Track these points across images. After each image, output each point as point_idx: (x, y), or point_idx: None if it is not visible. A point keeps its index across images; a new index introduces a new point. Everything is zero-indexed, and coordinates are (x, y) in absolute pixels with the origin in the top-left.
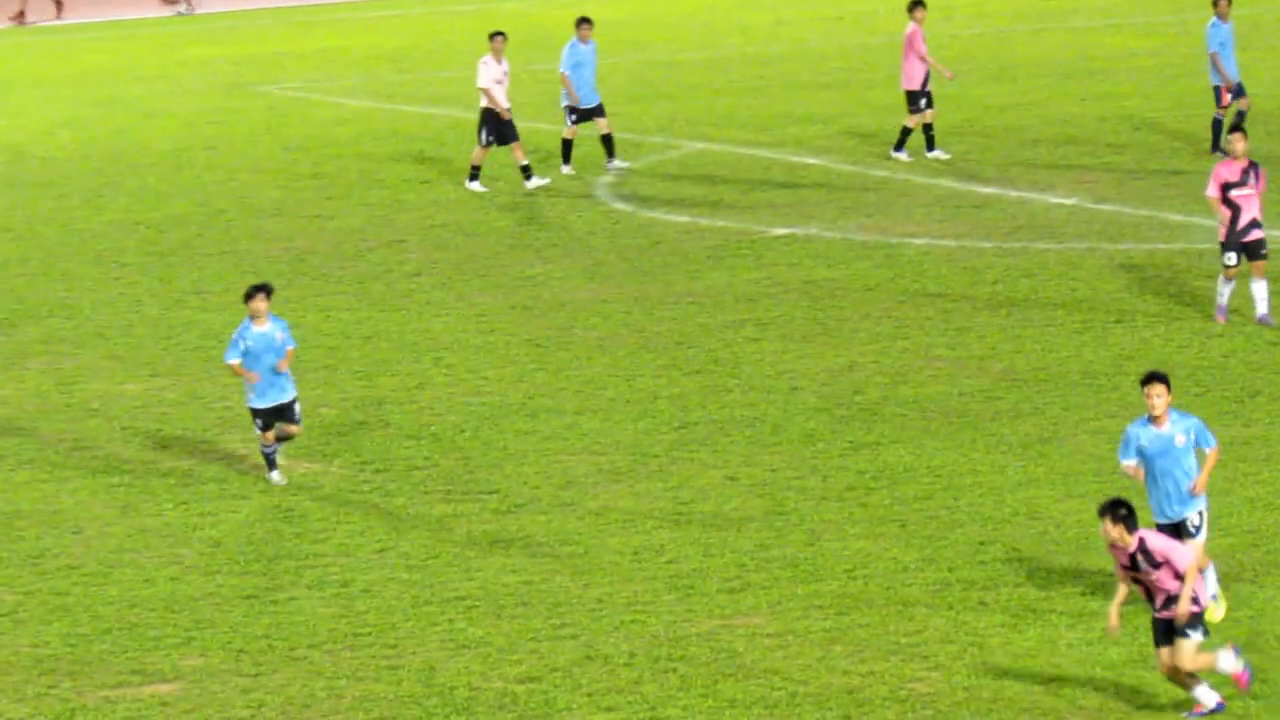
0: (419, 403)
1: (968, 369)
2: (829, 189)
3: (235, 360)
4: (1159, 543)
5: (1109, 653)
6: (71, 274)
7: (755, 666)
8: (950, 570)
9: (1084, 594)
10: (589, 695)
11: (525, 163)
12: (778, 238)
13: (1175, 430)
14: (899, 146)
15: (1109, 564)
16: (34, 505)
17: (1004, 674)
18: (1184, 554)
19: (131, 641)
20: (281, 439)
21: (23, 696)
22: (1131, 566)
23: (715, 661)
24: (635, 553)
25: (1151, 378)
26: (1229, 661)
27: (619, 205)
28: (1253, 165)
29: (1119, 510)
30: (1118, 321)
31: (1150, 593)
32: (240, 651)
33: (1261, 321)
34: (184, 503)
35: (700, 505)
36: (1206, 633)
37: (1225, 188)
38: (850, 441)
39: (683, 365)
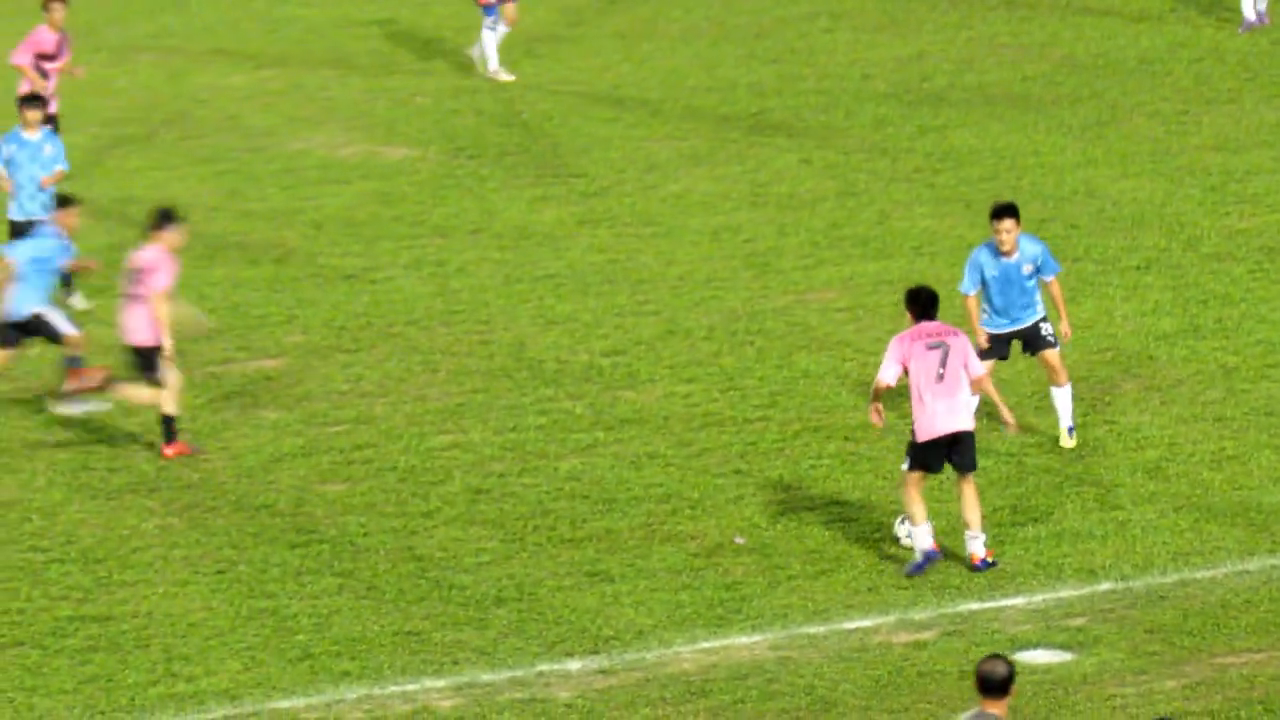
0: (510, 92)
1: (1030, 55)
2: None
3: None
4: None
5: (1161, 323)
6: None
7: (828, 339)
8: None
9: (1138, 268)
10: (670, 367)
11: None
12: None
13: (1023, 260)
14: None
15: (1162, 239)
16: (145, 191)
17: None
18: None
19: (237, 320)
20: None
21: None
22: None
23: (790, 334)
24: (715, 232)
25: (1001, 212)
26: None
27: None
28: None
29: None
30: (1172, 10)
31: None
32: (341, 328)
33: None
34: (287, 187)
35: (776, 187)
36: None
37: None
38: (918, 125)
39: (761, 55)
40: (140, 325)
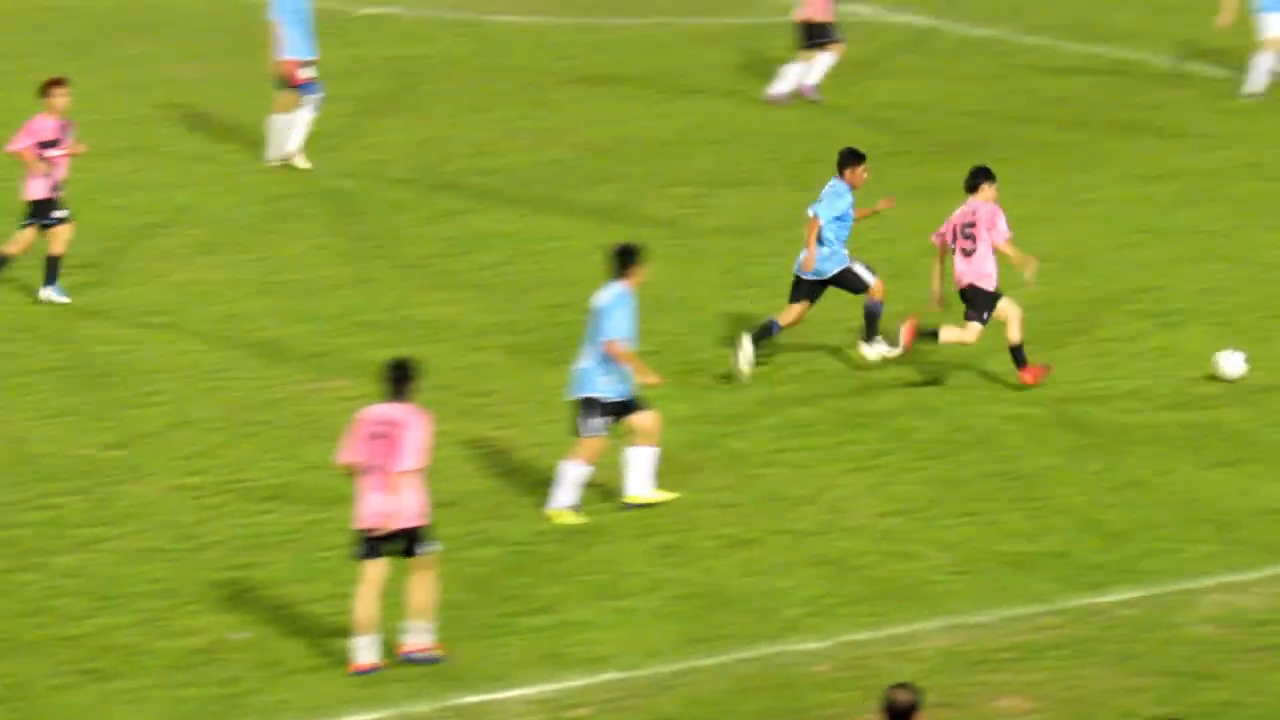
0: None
1: (550, 139)
2: None
3: None
4: None
5: (675, 409)
6: None
7: (337, 429)
8: (524, 333)
9: (651, 353)
10: (175, 459)
11: None
12: (364, 16)
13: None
14: None
15: (675, 323)
16: None
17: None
18: None
19: None
20: None
21: None
22: None
23: (298, 425)
24: (223, 321)
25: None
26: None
27: None
28: None
29: None
30: (693, 92)
31: None
32: None
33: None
34: None
35: (287, 274)
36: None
37: None
38: (434, 211)
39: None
40: (980, 271)
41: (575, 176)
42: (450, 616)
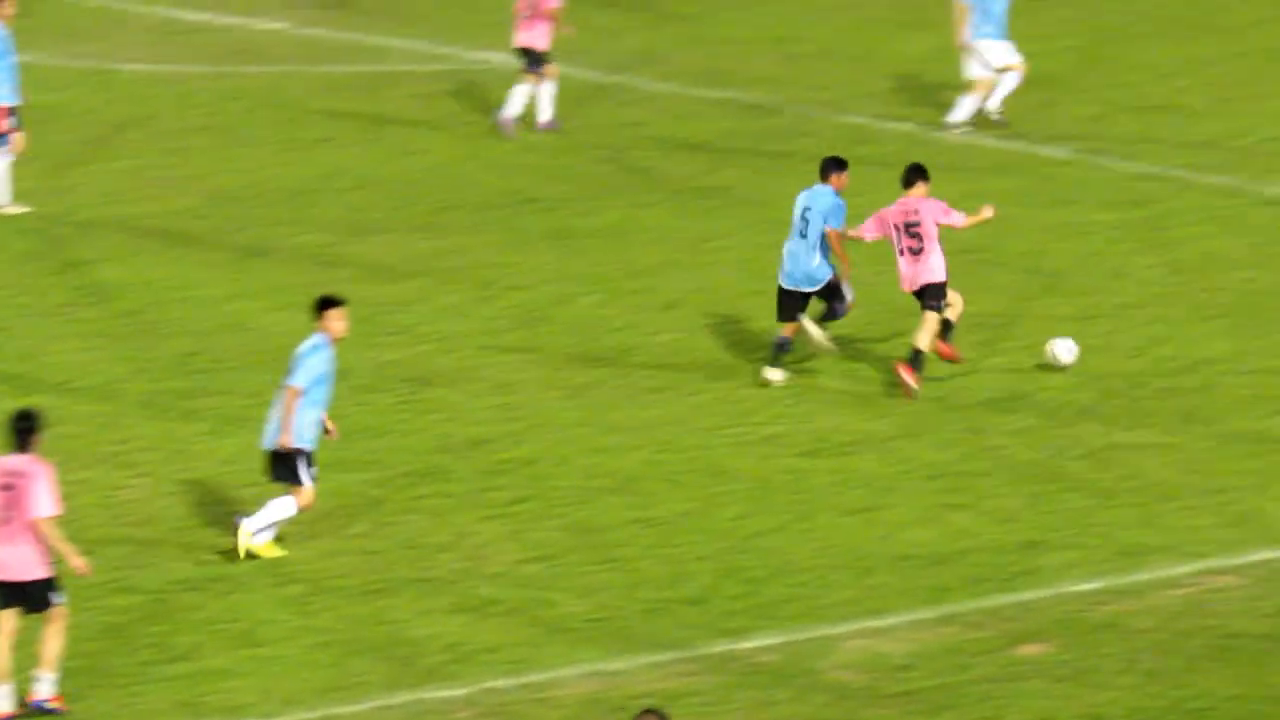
0: None
1: (178, 187)
2: (44, 16)
3: None
4: None
5: None
6: None
7: None
8: (157, 381)
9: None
10: None
11: None
12: None
13: None
14: None
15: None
16: None
17: (203, 481)
18: None
19: None
20: None
21: None
22: None
23: None
24: None
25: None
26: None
27: None
28: None
29: None
30: (322, 140)
31: None
32: None
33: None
34: None
35: None
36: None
37: None
38: (65, 259)
39: None
40: (930, 267)
41: (206, 225)
42: (87, 665)
